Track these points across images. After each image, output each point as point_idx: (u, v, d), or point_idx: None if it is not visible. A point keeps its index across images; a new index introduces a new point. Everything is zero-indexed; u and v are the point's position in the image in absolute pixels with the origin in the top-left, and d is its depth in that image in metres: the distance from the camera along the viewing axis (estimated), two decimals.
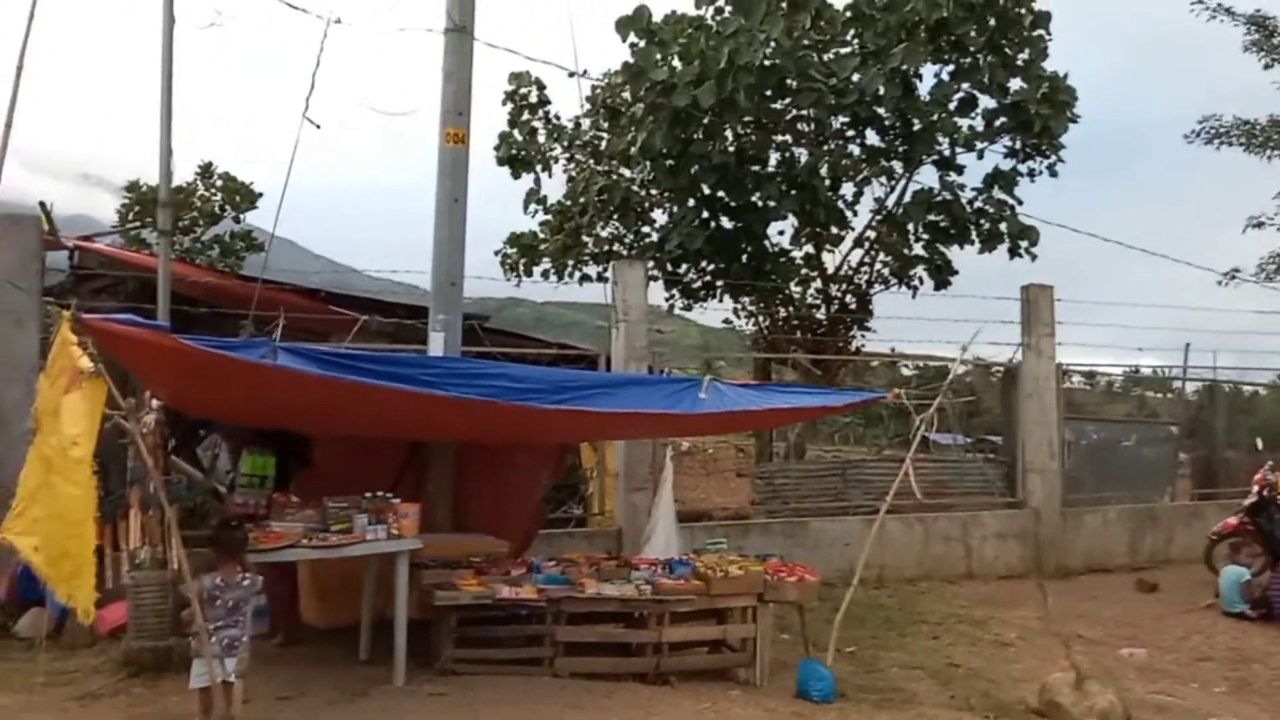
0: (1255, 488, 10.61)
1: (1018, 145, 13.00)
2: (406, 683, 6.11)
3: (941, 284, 14.11)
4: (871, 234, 14.61)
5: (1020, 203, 13.10)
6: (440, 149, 7.84)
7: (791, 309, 15.21)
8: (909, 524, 11.32)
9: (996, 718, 6.28)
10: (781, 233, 14.42)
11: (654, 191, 14.73)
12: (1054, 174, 13.25)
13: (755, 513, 11.35)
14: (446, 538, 7.07)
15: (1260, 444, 13.03)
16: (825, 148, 13.46)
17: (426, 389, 5.68)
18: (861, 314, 15.31)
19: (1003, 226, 12.90)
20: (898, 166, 13.48)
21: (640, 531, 9.30)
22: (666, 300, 15.24)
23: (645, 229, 14.94)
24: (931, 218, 13.25)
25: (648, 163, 13.56)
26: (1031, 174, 13.29)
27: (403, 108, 9.28)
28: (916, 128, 12.52)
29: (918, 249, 14.25)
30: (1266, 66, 19.30)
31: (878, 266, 14.92)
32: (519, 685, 6.13)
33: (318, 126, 8.26)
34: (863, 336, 15.58)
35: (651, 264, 13.09)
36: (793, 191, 13.22)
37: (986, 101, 13.18)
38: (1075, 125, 13.29)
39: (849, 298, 15.17)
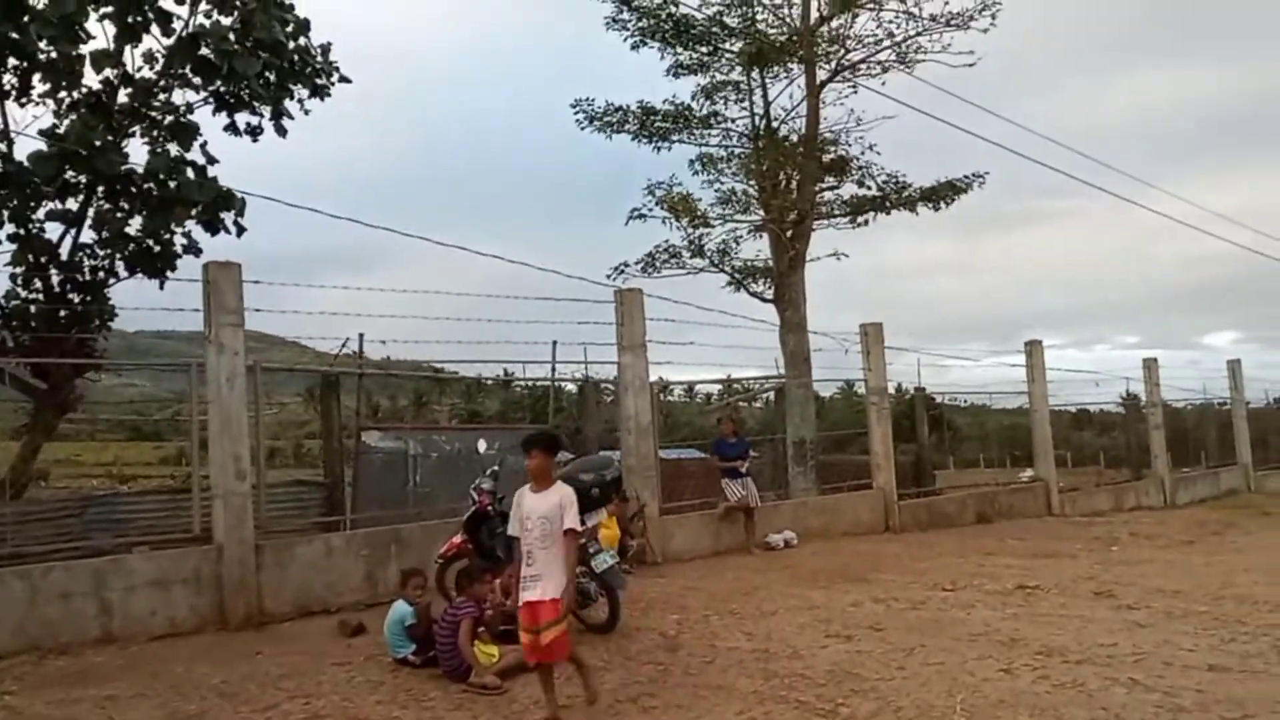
0: (474, 498, 9.11)
1: (224, 91, 10.48)
2: None
3: (153, 271, 11.07)
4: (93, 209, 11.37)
5: (214, 162, 10.54)
6: None
7: None
8: (2, 581, 8.18)
9: None
10: None
11: None
12: (282, 132, 10.96)
13: None
14: None
15: (483, 446, 10.47)
16: None
17: None
18: (97, 308, 12.02)
19: (181, 189, 10.12)
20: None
21: None
22: None
23: None
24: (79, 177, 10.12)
25: None
26: (254, 132, 10.88)
27: None
28: (45, 57, 9.43)
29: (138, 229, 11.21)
30: (634, 47, 18.90)
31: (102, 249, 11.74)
32: None
33: None
34: (104, 337, 12.40)
35: None
36: None
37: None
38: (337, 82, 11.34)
39: (70, 289, 11.81)
